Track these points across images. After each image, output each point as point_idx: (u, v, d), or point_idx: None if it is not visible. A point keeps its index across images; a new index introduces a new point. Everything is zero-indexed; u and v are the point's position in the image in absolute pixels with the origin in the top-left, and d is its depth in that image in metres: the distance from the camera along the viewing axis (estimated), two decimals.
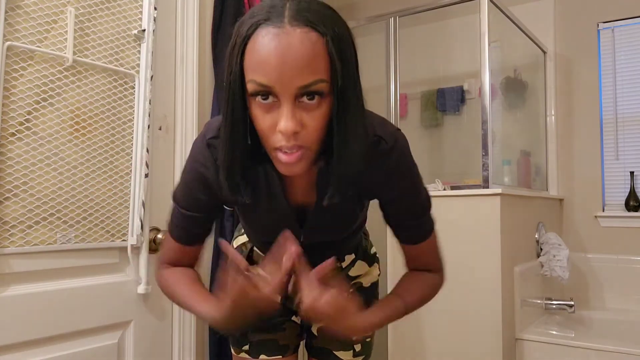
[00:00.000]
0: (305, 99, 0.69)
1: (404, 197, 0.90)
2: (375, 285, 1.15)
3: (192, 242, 0.97)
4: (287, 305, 1.09)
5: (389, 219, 0.95)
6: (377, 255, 1.17)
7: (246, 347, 1.08)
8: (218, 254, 1.80)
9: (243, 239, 1.12)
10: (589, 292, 2.61)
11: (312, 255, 1.00)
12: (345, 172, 0.77)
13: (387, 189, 0.89)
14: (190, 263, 1.00)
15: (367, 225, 1.15)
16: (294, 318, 1.13)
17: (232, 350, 1.11)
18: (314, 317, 0.78)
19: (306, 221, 0.91)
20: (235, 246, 1.14)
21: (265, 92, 0.69)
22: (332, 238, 0.97)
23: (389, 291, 1.01)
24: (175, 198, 0.94)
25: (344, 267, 1.07)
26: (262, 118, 0.71)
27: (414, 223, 0.93)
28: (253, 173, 0.84)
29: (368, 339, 1.11)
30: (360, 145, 0.76)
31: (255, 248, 1.08)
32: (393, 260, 2.14)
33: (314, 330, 1.11)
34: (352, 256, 1.08)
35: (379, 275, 1.16)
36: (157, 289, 1.58)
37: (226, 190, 0.81)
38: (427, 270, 0.99)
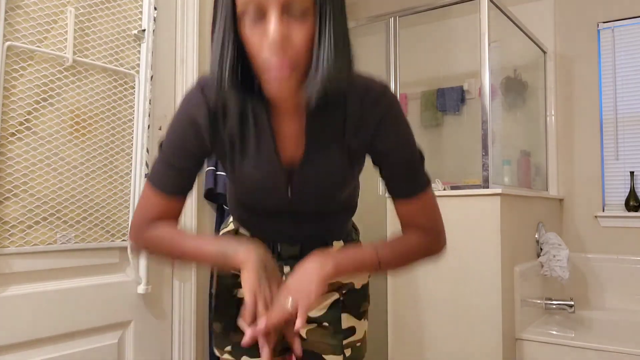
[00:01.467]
0: (290, 14, 0.75)
1: (397, 148, 0.92)
2: (366, 287, 1.11)
3: (176, 193, 0.94)
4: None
5: (383, 172, 0.96)
6: None
7: (228, 348, 1.05)
8: None
9: (230, 227, 1.11)
10: (589, 292, 2.61)
11: (301, 230, 0.99)
12: (329, 82, 0.79)
13: (379, 138, 0.90)
14: (174, 219, 0.97)
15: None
16: None
17: (215, 351, 1.08)
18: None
19: (294, 179, 0.92)
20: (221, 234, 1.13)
21: (254, 5, 0.75)
22: (320, 203, 0.96)
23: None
24: (162, 146, 0.93)
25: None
26: (251, 36, 0.76)
27: (408, 173, 0.94)
28: (243, 120, 0.88)
29: (358, 344, 1.07)
30: (343, 58, 0.80)
31: (240, 231, 1.06)
32: None
33: (303, 333, 1.07)
34: (341, 243, 1.06)
35: (369, 277, 1.13)
36: (157, 289, 1.58)
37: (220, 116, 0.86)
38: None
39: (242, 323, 0.85)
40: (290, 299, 0.85)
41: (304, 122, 0.88)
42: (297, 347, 0.88)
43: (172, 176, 0.93)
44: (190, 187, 0.97)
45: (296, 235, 1.02)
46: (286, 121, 0.90)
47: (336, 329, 1.05)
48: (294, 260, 1.03)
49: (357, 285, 1.09)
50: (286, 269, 1.04)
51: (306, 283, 0.87)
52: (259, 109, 0.86)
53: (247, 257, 0.87)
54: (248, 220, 1.04)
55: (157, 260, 0.98)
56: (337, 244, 1.06)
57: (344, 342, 1.03)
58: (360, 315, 1.09)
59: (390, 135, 0.90)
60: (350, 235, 1.10)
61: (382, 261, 0.94)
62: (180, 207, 0.97)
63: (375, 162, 0.96)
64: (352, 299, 1.08)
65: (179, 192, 0.95)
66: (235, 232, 1.08)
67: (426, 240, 0.98)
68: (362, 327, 1.08)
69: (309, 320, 1.06)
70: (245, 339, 0.83)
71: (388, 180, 0.96)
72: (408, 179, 0.95)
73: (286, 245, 1.03)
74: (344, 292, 1.08)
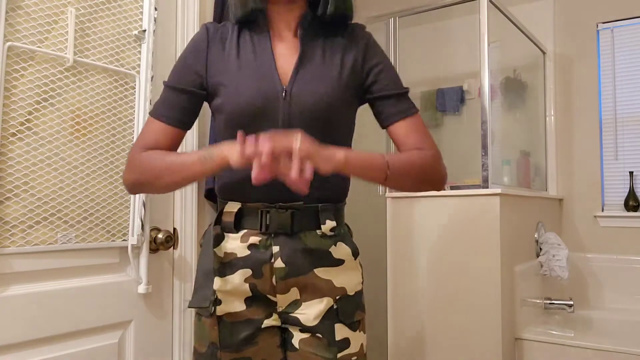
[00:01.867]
0: None
1: (384, 68, 1.08)
2: (359, 294, 1.07)
3: (174, 122, 1.03)
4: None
5: (376, 102, 1.08)
6: (361, 262, 1.12)
7: None
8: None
9: (217, 230, 1.06)
10: (589, 292, 2.62)
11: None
12: None
13: (369, 59, 1.07)
14: (170, 148, 1.04)
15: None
16: (270, 322, 1.03)
17: None
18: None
19: (287, 93, 1.00)
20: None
21: None
22: (314, 113, 1.01)
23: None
24: (166, 80, 1.06)
25: (324, 233, 1.01)
26: None
27: (398, 95, 1.07)
28: (241, 39, 1.05)
29: (354, 358, 1.03)
30: None
31: (226, 209, 1.04)
32: (393, 263, 2.15)
33: (295, 342, 1.03)
34: (333, 223, 1.02)
35: (362, 283, 1.09)
36: (157, 289, 1.58)
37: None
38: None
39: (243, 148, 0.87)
40: (299, 136, 0.87)
41: (298, 44, 1.05)
42: (308, 172, 0.86)
43: (171, 102, 1.03)
44: (187, 123, 1.05)
45: (286, 191, 0.99)
46: (282, 42, 1.06)
47: (330, 340, 1.01)
48: (284, 235, 0.99)
49: (350, 292, 1.05)
50: (275, 248, 0.99)
51: (316, 146, 0.90)
52: (263, 27, 1.06)
53: (230, 149, 0.92)
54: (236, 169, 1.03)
55: (149, 185, 1.01)
56: (330, 224, 1.02)
57: (339, 355, 1.00)
58: (354, 325, 1.04)
59: (377, 56, 1.08)
60: (342, 227, 1.07)
61: (390, 166, 0.98)
62: (177, 141, 1.05)
63: (367, 92, 1.08)
64: (345, 306, 1.04)
65: (176, 122, 1.03)
66: (221, 228, 1.05)
67: (427, 154, 1.05)
68: (357, 339, 1.04)
69: (303, 330, 1.02)
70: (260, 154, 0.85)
71: (381, 107, 1.08)
72: (399, 101, 1.07)
73: (275, 211, 1.00)
74: (337, 297, 1.03)
